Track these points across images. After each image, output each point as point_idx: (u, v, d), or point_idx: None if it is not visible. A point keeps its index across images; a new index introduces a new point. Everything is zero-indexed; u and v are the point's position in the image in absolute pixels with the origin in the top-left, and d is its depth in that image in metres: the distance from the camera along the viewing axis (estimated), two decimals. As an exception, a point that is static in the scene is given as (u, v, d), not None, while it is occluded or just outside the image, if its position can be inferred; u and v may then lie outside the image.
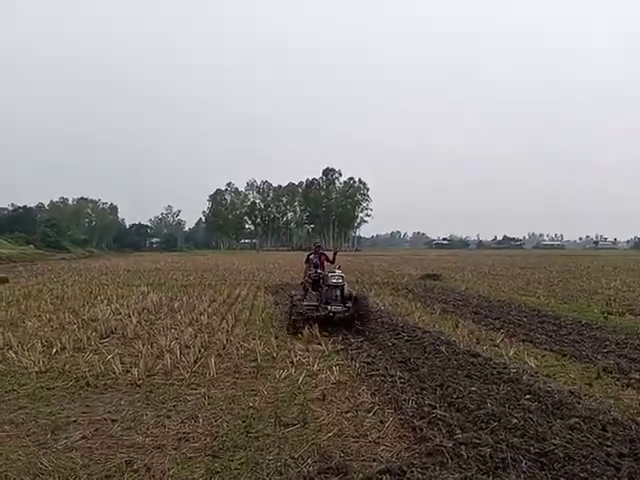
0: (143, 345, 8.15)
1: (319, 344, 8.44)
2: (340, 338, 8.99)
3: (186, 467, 3.97)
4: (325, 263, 11.41)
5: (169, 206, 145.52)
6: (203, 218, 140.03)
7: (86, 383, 6.26)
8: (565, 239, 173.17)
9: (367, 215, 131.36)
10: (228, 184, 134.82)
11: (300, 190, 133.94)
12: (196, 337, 8.96)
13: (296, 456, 4.13)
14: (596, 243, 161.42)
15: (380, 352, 7.85)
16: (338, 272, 10.08)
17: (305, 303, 10.07)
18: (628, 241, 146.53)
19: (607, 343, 8.46)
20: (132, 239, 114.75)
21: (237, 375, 6.66)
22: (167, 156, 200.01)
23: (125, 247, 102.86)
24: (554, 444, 4.11)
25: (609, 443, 4.16)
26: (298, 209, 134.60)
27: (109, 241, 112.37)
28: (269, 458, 4.11)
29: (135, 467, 3.97)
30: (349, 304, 9.85)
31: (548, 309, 13.00)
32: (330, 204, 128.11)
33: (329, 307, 9.71)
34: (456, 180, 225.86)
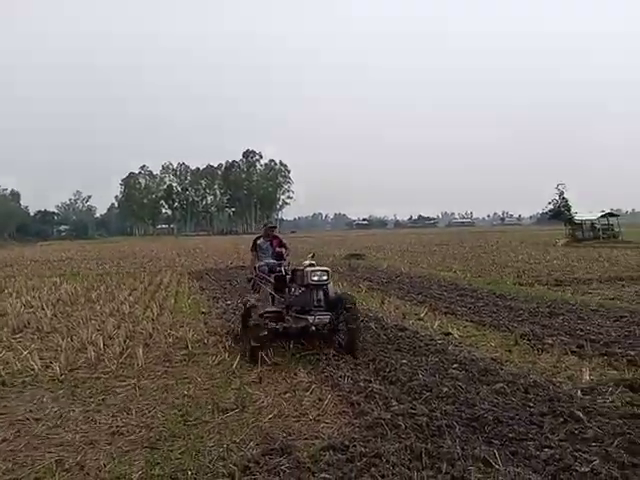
0: (62, 338, 7.67)
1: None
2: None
3: (123, 461, 3.80)
4: (278, 250, 8.32)
5: (78, 191, 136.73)
6: (116, 203, 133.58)
7: (1, 382, 5.80)
8: (475, 217, 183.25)
9: (289, 197, 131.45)
10: (142, 167, 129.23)
11: (220, 173, 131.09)
12: (119, 327, 8.59)
13: (238, 440, 4.09)
14: (502, 220, 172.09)
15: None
16: (319, 267, 6.81)
17: (267, 309, 6.77)
18: (531, 217, 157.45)
19: (521, 312, 9.10)
20: (37, 227, 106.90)
21: (168, 364, 6.46)
22: (75, 138, 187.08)
23: (29, 236, 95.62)
24: (483, 408, 4.36)
25: (531, 404, 4.48)
26: (218, 192, 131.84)
27: (12, 230, 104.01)
28: (210, 445, 4.03)
29: (67, 466, 3.74)
30: (340, 311, 6.61)
31: (465, 283, 13.74)
32: (251, 187, 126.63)
33: (310, 318, 6.47)
34: (373, 162, 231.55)
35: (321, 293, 6.72)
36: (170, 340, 7.63)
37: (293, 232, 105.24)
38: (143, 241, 73.44)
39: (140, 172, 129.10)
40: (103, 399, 5.18)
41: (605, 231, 36.08)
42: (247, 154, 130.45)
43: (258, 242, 8.45)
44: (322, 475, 3.42)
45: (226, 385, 5.52)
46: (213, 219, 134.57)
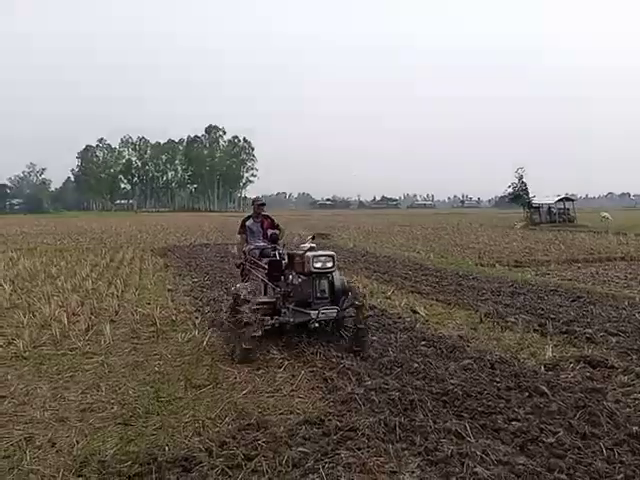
0: (24, 315, 7.43)
1: (220, 309, 8.31)
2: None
3: (96, 438, 3.75)
4: (271, 232, 7.10)
5: (32, 164, 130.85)
6: (72, 177, 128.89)
7: (-40, 360, 5.59)
8: (436, 199, 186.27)
9: (253, 175, 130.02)
10: (100, 140, 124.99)
11: (181, 148, 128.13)
12: (83, 304, 8.39)
13: (213, 416, 4.09)
14: (462, 202, 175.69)
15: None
16: (323, 252, 5.74)
17: (260, 300, 5.77)
18: (490, 200, 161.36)
19: (484, 291, 9.37)
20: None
21: (136, 341, 6.37)
22: (27, 107, 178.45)
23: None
24: (452, 384, 4.50)
25: (498, 379, 4.65)
26: (179, 168, 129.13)
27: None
28: (185, 421, 4.02)
29: (38, 443, 3.66)
30: (347, 303, 5.65)
31: (429, 263, 14.01)
32: (214, 163, 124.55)
33: (313, 313, 5.40)
34: (336, 143, 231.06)
35: (325, 283, 5.60)
36: (137, 317, 7.51)
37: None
38: (101, 216, 71.42)
39: (98, 145, 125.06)
40: (71, 376, 5.07)
41: (561, 215, 37.28)
42: (210, 129, 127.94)
43: (247, 223, 7.52)
44: (299, 449, 3.47)
45: (197, 362, 5.49)
46: (174, 195, 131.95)
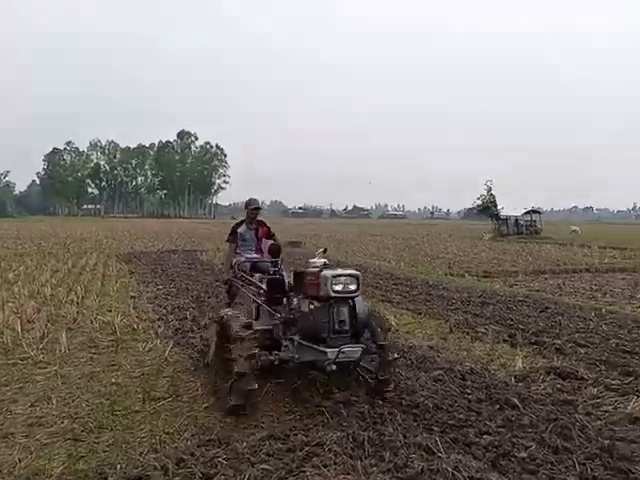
0: (-27, 322, 7.00)
1: (185, 317, 8.04)
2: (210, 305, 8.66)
3: (42, 455, 3.47)
4: (270, 243, 6.25)
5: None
6: (37, 180, 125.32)
7: None
8: (406, 209, 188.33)
9: (225, 182, 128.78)
10: (67, 143, 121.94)
11: (152, 153, 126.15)
12: (40, 311, 7.98)
13: (171, 431, 3.85)
14: (432, 213, 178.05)
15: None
16: (343, 270, 4.23)
17: (257, 327, 4.54)
18: (459, 212, 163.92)
19: (454, 301, 9.34)
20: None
21: (94, 350, 6.05)
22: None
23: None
24: (423, 395, 4.38)
25: (469, 391, 4.55)
26: (149, 173, 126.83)
27: None
28: (141, 436, 3.77)
29: (-25, 463, 3.36)
30: (369, 336, 4.33)
31: (399, 272, 13.97)
32: (185, 169, 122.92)
33: (330, 352, 4.00)
34: (309, 150, 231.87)
35: (345, 311, 4.16)
36: (96, 325, 7.16)
37: (233, 218, 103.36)
38: (67, 221, 69.46)
39: (65, 148, 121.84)
40: (20, 387, 4.74)
41: (528, 227, 38.12)
42: (182, 135, 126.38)
43: (239, 230, 6.47)
44: (262, 466, 3.27)
45: (158, 373, 5.22)
46: (143, 201, 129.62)
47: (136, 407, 4.32)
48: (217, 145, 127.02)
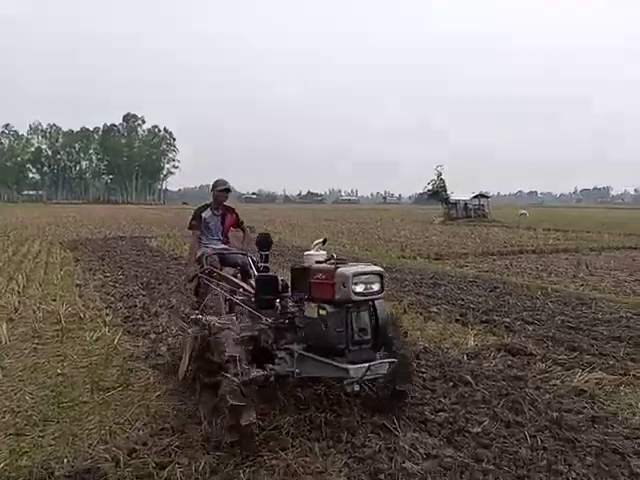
0: None
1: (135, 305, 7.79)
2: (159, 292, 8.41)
3: (-19, 453, 3.26)
4: (232, 231, 5.97)
5: None
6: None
7: None
8: (359, 195, 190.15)
9: (174, 167, 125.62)
10: (5, 126, 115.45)
11: (96, 137, 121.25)
12: (-23, 301, 7.52)
13: (122, 421, 3.70)
14: (385, 198, 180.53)
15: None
16: (364, 267, 3.42)
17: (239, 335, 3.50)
18: (410, 197, 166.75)
19: (406, 283, 9.48)
20: None
21: (37, 341, 5.74)
22: None
23: None
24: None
25: (424, 369, 4.62)
26: (94, 158, 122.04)
27: None
28: (90, 427, 3.61)
29: None
30: (394, 347, 3.60)
31: (354, 256, 14.05)
32: (132, 153, 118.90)
33: (351, 369, 3.22)
34: (264, 136, 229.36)
35: (366, 316, 3.40)
36: (40, 315, 6.82)
37: (185, 203, 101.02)
38: (6, 207, 65.94)
39: (3, 132, 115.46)
40: (-44, 383, 4.45)
41: (476, 211, 39.21)
42: (128, 118, 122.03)
43: (203, 215, 5.67)
44: (217, 453, 3.20)
45: (106, 362, 5.01)
46: (88, 186, 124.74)
47: (84, 398, 4.13)
48: (165, 129, 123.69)
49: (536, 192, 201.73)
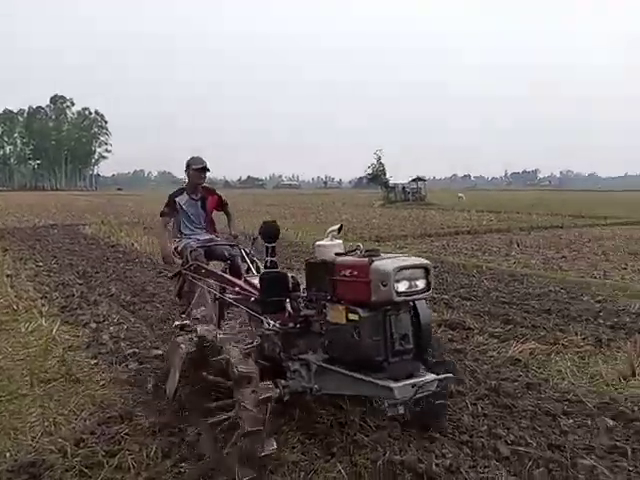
0: None
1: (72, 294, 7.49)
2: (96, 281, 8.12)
3: None
4: (214, 214, 5.26)
5: None
6: None
7: None
8: (300, 179, 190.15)
9: (107, 151, 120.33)
10: None
11: (21, 119, 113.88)
12: None
13: (66, 412, 3.59)
14: (325, 183, 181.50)
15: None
16: (407, 259, 2.74)
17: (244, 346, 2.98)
18: (350, 181, 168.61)
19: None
20: None
21: (-34, 335, 5.43)
22: None
23: None
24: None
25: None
26: (19, 142, 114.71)
27: None
28: (31, 420, 3.47)
29: None
30: (436, 355, 3.02)
31: (297, 240, 14.14)
32: (61, 137, 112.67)
33: (398, 387, 2.53)
34: (201, 118, 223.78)
35: (407, 319, 2.75)
36: (-34, 308, 6.43)
37: (119, 189, 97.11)
38: None
39: None
40: None
41: (414, 194, 40.25)
42: (55, 99, 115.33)
43: (178, 199, 4.91)
44: (169, 438, 3.18)
45: (45, 354, 4.80)
46: (13, 173, 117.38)
47: (23, 391, 3.96)
48: (97, 111, 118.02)
49: (469, 175, 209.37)
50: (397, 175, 41.82)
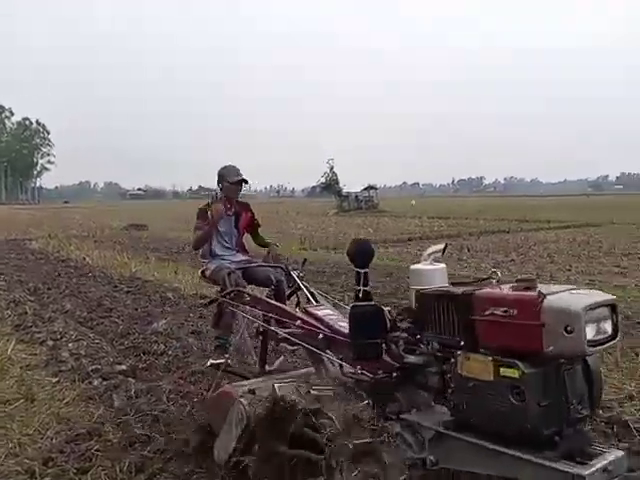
0: None
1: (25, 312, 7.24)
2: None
3: None
4: (246, 235, 4.66)
5: None
6: None
7: None
8: (252, 188, 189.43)
9: (49, 162, 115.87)
10: None
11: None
12: None
13: (30, 432, 3.51)
14: (278, 192, 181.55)
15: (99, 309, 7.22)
16: (594, 297, 1.92)
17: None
18: (303, 190, 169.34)
19: (312, 273, 9.77)
20: None
21: None
22: None
23: None
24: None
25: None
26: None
27: None
28: (-6, 443, 3.38)
29: None
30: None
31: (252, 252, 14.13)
32: (0, 148, 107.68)
33: (591, 474, 1.72)
34: (150, 129, 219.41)
35: (581, 375, 2.01)
36: None
37: (66, 202, 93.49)
38: None
39: None
40: None
41: (367, 202, 40.94)
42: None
43: (208, 213, 4.26)
44: (142, 452, 3.18)
45: (2, 374, 4.66)
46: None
47: (-19, 414, 3.84)
48: (38, 121, 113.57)
49: (418, 183, 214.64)
50: (352, 182, 42.49)
